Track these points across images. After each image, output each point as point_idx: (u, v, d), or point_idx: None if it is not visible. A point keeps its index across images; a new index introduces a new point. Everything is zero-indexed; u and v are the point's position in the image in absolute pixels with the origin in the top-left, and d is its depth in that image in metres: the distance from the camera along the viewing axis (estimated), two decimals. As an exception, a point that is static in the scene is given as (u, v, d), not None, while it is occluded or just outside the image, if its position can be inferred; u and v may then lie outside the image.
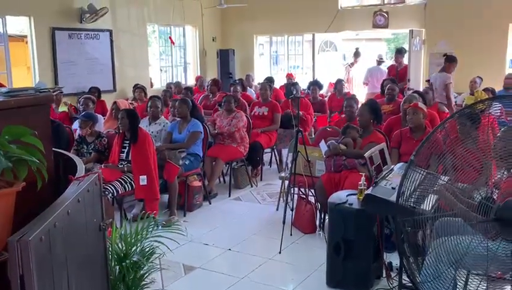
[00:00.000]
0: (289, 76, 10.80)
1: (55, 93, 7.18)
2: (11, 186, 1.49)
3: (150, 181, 4.96)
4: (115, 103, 6.79)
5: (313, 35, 12.28)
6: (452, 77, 7.82)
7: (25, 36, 9.24)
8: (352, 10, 11.40)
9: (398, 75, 9.54)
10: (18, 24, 9.40)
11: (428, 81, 8.93)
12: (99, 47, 9.78)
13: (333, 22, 11.08)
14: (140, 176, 4.94)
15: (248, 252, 4.48)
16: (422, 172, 2.71)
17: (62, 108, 7.62)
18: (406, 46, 10.45)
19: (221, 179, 6.79)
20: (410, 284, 3.40)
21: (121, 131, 5.23)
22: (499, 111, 2.64)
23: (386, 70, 10.35)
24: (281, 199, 5.56)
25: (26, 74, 9.87)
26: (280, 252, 4.39)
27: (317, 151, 5.07)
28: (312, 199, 5.01)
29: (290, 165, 4.97)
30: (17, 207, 1.52)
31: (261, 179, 6.89)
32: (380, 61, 10.81)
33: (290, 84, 9.69)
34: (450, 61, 7.87)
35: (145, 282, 2.88)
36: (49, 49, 8.94)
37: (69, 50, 9.19)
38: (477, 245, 2.43)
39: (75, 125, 6.11)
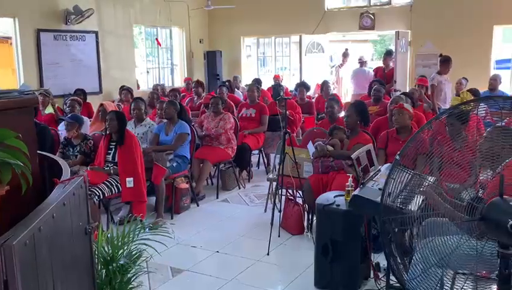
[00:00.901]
0: (276, 77, 10.82)
1: (42, 96, 7.14)
2: (-5, 190, 1.47)
3: (137, 183, 4.93)
4: (101, 105, 6.74)
5: (300, 36, 12.31)
6: (443, 79, 7.86)
7: (10, 38, 9.14)
8: (339, 12, 11.46)
9: (385, 76, 9.60)
10: (2, 25, 9.31)
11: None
12: (84, 49, 9.71)
13: (320, 24, 11.14)
14: (127, 178, 4.91)
15: (236, 254, 4.47)
16: (408, 172, 2.73)
17: (48, 110, 7.55)
18: (393, 48, 10.52)
19: (209, 181, 6.77)
20: (397, 285, 3.42)
21: (107, 133, 5.19)
22: (484, 112, 2.66)
23: (370, 72, 10.42)
24: (269, 200, 5.56)
25: (10, 75, 9.75)
26: (268, 254, 4.39)
27: (305, 152, 5.07)
28: (300, 200, 5.01)
29: (277, 167, 4.98)
30: (1, 211, 1.50)
31: (248, 181, 6.88)
32: (361, 62, 10.87)
33: (278, 86, 9.71)
34: (442, 61, 7.90)
35: (132, 285, 2.86)
36: (34, 51, 8.86)
37: (54, 52, 9.12)
38: (463, 245, 2.45)
39: (61, 127, 6.05)
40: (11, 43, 9.18)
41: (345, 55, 11.56)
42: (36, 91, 5.69)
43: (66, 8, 9.17)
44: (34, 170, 1.75)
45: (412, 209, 2.71)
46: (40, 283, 1.43)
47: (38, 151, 2.03)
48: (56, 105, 7.61)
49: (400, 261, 2.84)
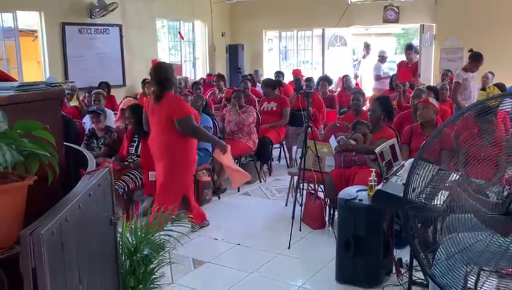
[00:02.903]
0: (296, 72, 10.75)
1: (69, 88, 7.27)
2: (23, 180, 1.50)
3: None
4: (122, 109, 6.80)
5: (323, 30, 12.23)
6: (469, 76, 7.04)
7: (36, 31, 9.28)
8: (362, 5, 11.32)
9: (408, 70, 9.47)
10: (28, 19, 9.45)
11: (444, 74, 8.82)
12: (108, 42, 9.81)
13: (343, 17, 11.02)
14: (150, 172, 4.95)
15: (257, 247, 4.48)
16: (433, 168, 2.69)
17: (74, 102, 7.67)
18: (416, 42, 10.38)
19: (230, 174, 6.78)
20: (420, 280, 3.39)
21: (129, 126, 5.24)
22: (510, 107, 2.61)
23: (379, 67, 10.30)
24: (290, 194, 5.55)
25: (36, 68, 9.92)
26: (289, 248, 4.39)
27: (327, 146, 5.05)
28: (321, 195, 4.99)
29: (299, 161, 4.96)
30: (29, 201, 1.53)
31: (269, 175, 6.88)
32: (382, 58, 10.73)
33: (299, 80, 9.67)
34: (472, 58, 7.03)
35: (155, 276, 2.88)
36: (59, 44, 8.98)
37: (78, 45, 9.23)
38: (488, 241, 2.41)
39: (85, 119, 6.14)
40: (36, 36, 9.32)
41: (367, 47, 11.43)
42: (63, 83, 5.75)
43: (91, 1, 9.27)
44: (60, 161, 1.77)
45: (436, 204, 2.68)
46: (67, 272, 1.45)
47: (64, 143, 2.06)
48: (81, 98, 7.73)
49: (423, 256, 2.81)
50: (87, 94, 7.29)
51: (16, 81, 2.16)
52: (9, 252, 1.44)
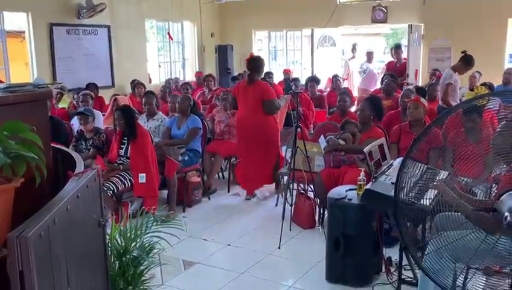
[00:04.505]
0: (286, 71, 10.79)
1: (59, 87, 7.24)
2: (10, 182, 1.48)
3: (149, 179, 4.95)
4: (115, 99, 6.77)
5: (312, 30, 12.26)
6: (457, 79, 6.70)
7: (23, 32, 9.21)
8: (351, 5, 11.38)
9: (397, 70, 9.55)
10: (16, 20, 9.37)
11: (432, 74, 8.88)
12: (97, 43, 9.76)
13: (332, 17, 11.07)
14: (140, 174, 4.93)
15: (247, 248, 4.48)
16: (421, 166, 2.71)
17: (62, 104, 7.62)
18: (405, 41, 10.45)
19: (220, 174, 6.78)
20: (409, 279, 3.42)
21: (118, 128, 5.22)
22: (498, 106, 2.63)
23: (373, 72, 10.43)
24: (280, 194, 5.56)
25: (24, 69, 9.84)
26: (279, 248, 4.40)
27: (316, 146, 5.06)
28: (311, 195, 5.01)
29: (289, 161, 4.97)
30: (16, 203, 1.52)
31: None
32: (369, 54, 10.83)
33: (289, 80, 9.71)
34: (464, 61, 6.62)
35: (144, 277, 2.87)
36: (47, 45, 8.92)
37: (67, 46, 9.17)
38: (475, 239, 2.44)
39: (74, 121, 6.10)
40: (23, 38, 9.24)
41: (354, 49, 11.55)
42: (50, 85, 5.71)
43: (79, 2, 9.22)
44: (48, 163, 1.77)
45: (425, 203, 2.70)
46: (55, 274, 1.44)
47: (52, 145, 2.05)
48: (70, 100, 7.70)
49: (413, 254, 2.83)
50: (75, 96, 7.24)
51: (3, 82, 2.15)
52: (-3, 255, 1.43)
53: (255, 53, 12.87)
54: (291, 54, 13.16)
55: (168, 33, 11.67)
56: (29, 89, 1.93)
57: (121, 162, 5.15)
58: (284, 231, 4.50)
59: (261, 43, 13.75)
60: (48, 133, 1.96)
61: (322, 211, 4.90)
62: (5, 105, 1.76)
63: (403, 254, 3.15)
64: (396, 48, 10.09)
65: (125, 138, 5.17)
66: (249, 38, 12.76)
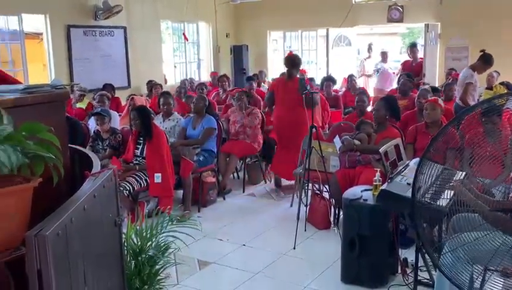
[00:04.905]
0: (302, 72, 10.75)
1: (80, 91, 7.34)
2: (28, 182, 1.50)
3: (164, 179, 4.98)
4: (132, 99, 6.82)
5: (327, 30, 12.20)
6: (477, 78, 6.60)
7: (41, 33, 9.33)
8: (367, 4, 11.31)
9: (413, 69, 9.47)
10: (34, 22, 9.50)
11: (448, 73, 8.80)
12: (113, 44, 9.84)
13: (347, 17, 11.01)
14: (155, 174, 4.97)
15: (262, 248, 4.49)
16: (438, 167, 2.68)
17: (80, 104, 7.71)
18: (421, 41, 10.36)
19: (235, 174, 6.79)
20: (425, 280, 3.39)
21: (134, 128, 5.27)
22: (516, 106, 2.59)
23: (389, 72, 10.35)
24: (295, 194, 5.55)
25: (42, 71, 9.97)
26: (294, 248, 4.39)
27: (332, 146, 5.04)
28: (326, 195, 4.99)
29: (304, 161, 4.96)
30: (34, 202, 1.54)
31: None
32: (383, 54, 10.75)
33: (303, 80, 9.68)
34: (483, 60, 6.46)
35: (160, 277, 2.89)
36: (64, 47, 9.02)
37: (83, 47, 9.27)
38: (493, 241, 2.41)
39: (91, 121, 6.17)
40: (41, 39, 9.36)
41: (370, 48, 11.49)
42: (67, 86, 5.79)
43: (95, 4, 9.30)
44: (66, 163, 1.78)
45: (442, 204, 2.67)
46: (72, 273, 1.46)
47: (69, 145, 2.07)
48: (88, 100, 7.78)
49: (429, 251, 2.80)
50: (95, 97, 7.31)
51: (21, 83, 2.17)
52: (15, 254, 1.45)
53: (270, 54, 12.95)
54: (306, 54, 13.11)
55: (184, 34, 11.72)
56: (47, 90, 1.95)
57: (137, 162, 5.19)
58: (299, 231, 4.49)
59: (276, 43, 13.73)
60: (65, 134, 1.99)
61: (337, 212, 4.88)
62: (23, 106, 1.78)
63: (419, 255, 3.13)
64: (412, 47, 10.01)
65: (141, 138, 5.21)
66: (264, 39, 12.75)
